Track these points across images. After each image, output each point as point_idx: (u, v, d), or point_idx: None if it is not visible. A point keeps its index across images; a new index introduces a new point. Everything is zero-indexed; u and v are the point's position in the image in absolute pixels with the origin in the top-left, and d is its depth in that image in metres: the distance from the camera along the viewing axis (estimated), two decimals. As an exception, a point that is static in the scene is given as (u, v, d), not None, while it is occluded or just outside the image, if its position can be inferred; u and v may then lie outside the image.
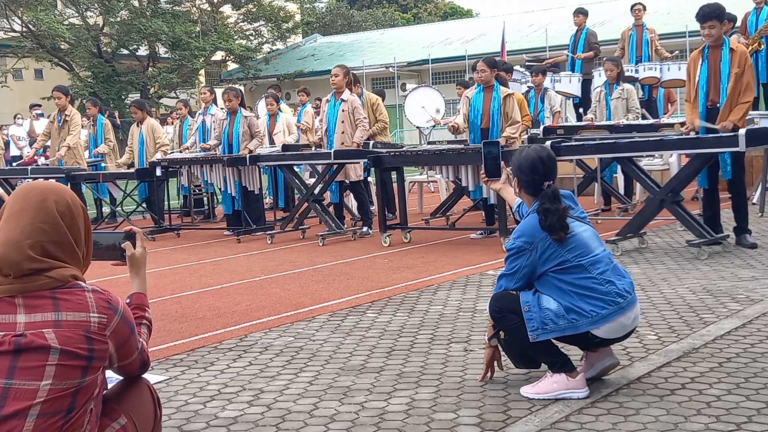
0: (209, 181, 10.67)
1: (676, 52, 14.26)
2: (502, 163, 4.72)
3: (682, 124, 7.99)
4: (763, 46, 11.89)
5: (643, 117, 11.22)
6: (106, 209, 12.54)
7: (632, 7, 13.23)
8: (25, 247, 2.24)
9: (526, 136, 9.40)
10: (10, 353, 2.18)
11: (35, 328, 2.20)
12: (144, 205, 11.65)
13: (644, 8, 13.20)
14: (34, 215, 2.29)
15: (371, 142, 10.01)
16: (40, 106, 19.09)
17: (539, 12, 35.83)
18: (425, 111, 13.98)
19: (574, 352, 3.86)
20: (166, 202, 11.69)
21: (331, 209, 9.96)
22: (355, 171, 9.68)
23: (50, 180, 2.76)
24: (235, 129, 10.37)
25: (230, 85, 12.81)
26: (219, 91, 13.74)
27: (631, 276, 3.84)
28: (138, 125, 12.03)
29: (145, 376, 2.61)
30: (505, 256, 3.79)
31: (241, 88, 11.46)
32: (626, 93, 10.22)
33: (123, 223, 11.09)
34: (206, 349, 4.75)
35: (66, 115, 11.86)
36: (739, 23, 12.40)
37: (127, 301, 2.62)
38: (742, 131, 6.61)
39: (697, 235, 7.04)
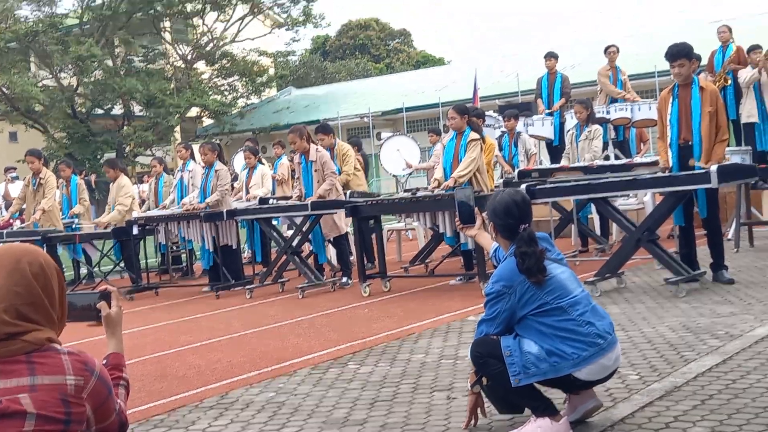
0: (186, 238, 10.64)
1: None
2: (476, 208, 4.74)
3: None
4: (729, 82, 12.11)
5: (617, 157, 11.35)
6: (83, 270, 12.44)
7: (606, 49, 13.41)
8: (0, 312, 2.22)
9: (500, 180, 9.46)
10: (-14, 421, 2.15)
11: (10, 393, 2.18)
12: (122, 264, 11.57)
13: (618, 50, 13.40)
14: (7, 278, 2.27)
15: (348, 192, 10.04)
16: (15, 169, 19.01)
17: (510, 57, 36.23)
18: (400, 154, 14.05)
19: (557, 396, 3.85)
20: (143, 261, 11.63)
21: (310, 260, 9.94)
22: (345, 223, 9.69)
23: (24, 242, 2.74)
24: (208, 183, 10.39)
25: (207, 140, 12.82)
26: (196, 147, 13.77)
27: (611, 316, 3.85)
28: (113, 183, 12.03)
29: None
30: (485, 301, 3.79)
31: (218, 142, 11.45)
32: (592, 134, 10.34)
33: (101, 284, 11.00)
34: (187, 409, 4.69)
35: (41, 178, 11.84)
36: (705, 62, 12.64)
37: (104, 361, 2.59)
38: (713, 168, 6.69)
39: (675, 272, 7.08)
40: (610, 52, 13.22)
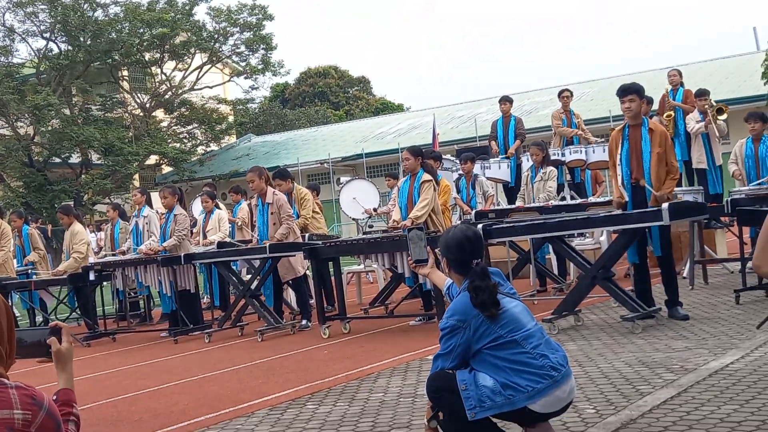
0: (144, 283, 10.55)
1: (600, 139, 14.64)
2: (428, 247, 4.78)
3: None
4: (673, 115, 12.42)
5: (572, 198, 11.49)
6: (38, 318, 12.24)
7: (560, 94, 13.62)
8: (-54, 346, 2.20)
9: (459, 222, 9.52)
10: (-70, 456, 2.12)
11: (-44, 428, 2.15)
12: (78, 311, 11.42)
13: (571, 94, 13.63)
14: (-45, 314, 2.25)
15: (307, 235, 10.04)
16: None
17: (467, 103, 36.70)
18: (357, 202, 14.11)
19: (514, 429, 3.86)
20: (101, 307, 11.49)
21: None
22: (303, 265, 9.68)
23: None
24: (167, 227, 10.35)
25: (167, 183, 12.77)
26: (153, 194, 13.70)
27: (568, 353, 3.89)
28: (67, 231, 11.93)
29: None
30: (440, 336, 3.81)
31: (179, 187, 11.43)
32: (547, 175, 10.49)
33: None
34: (142, 451, 4.63)
35: None
36: (656, 105, 12.92)
37: (54, 397, 2.56)
38: (665, 205, 6.82)
39: (631, 309, 7.16)
40: (564, 96, 13.44)
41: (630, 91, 7.41)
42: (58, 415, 2.37)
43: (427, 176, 8.80)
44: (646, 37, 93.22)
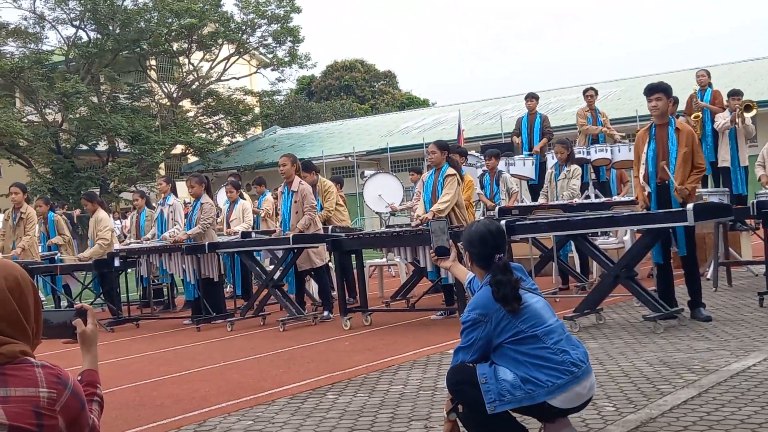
0: (168, 271, 10.63)
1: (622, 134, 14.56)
2: (451, 241, 4.79)
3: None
4: (700, 116, 12.32)
5: (596, 197, 11.45)
6: (63, 303, 12.37)
7: (585, 92, 13.56)
8: (-26, 324, 2.24)
9: (482, 217, 9.52)
10: (-42, 431, 2.16)
11: (-17, 405, 2.19)
12: (102, 296, 11.53)
13: (596, 93, 13.56)
14: (-17, 292, 2.29)
15: (330, 227, 10.08)
16: (-3, 202, 18.95)
17: (493, 100, 36.61)
18: (382, 199, 14.12)
19: (532, 424, 3.87)
20: (124, 294, 11.59)
21: (291, 294, 9.94)
22: (321, 257, 9.72)
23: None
24: (194, 216, 10.42)
25: (193, 172, 12.86)
26: (178, 183, 13.78)
27: (589, 351, 3.88)
28: (91, 217, 12.06)
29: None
30: (461, 329, 3.82)
31: (205, 176, 11.45)
32: (571, 173, 10.45)
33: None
34: (164, 436, 4.68)
35: (22, 213, 11.80)
36: (683, 106, 12.84)
37: (79, 378, 2.60)
38: (690, 206, 6.78)
39: (653, 309, 7.13)
40: (588, 95, 13.38)
41: (657, 90, 7.38)
42: (83, 395, 2.41)
43: (451, 170, 8.80)
44: (666, 30, 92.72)
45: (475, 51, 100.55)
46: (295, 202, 9.65)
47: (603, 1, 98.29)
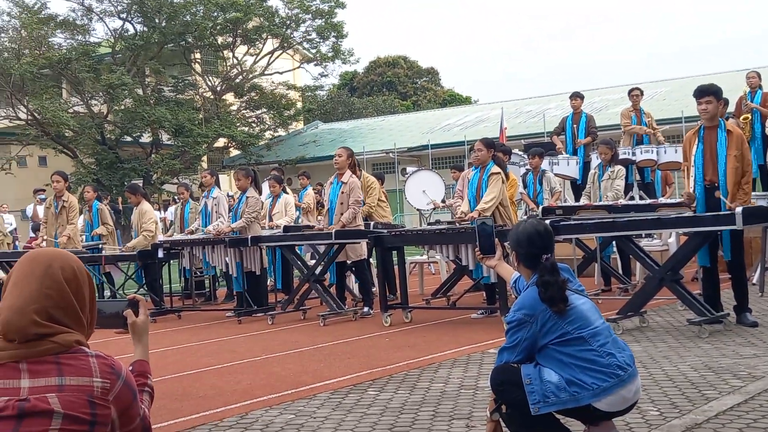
0: (211, 263, 10.72)
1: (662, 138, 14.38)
2: (497, 239, 4.76)
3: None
4: (750, 118, 12.13)
5: (641, 198, 11.33)
6: (106, 293, 12.52)
7: (630, 92, 13.41)
8: (31, 313, 2.27)
9: (524, 217, 9.47)
10: (14, 418, 2.19)
11: (39, 392, 2.22)
12: (145, 287, 11.65)
13: (641, 93, 13.41)
14: (40, 281, 2.32)
15: (372, 223, 10.10)
16: (44, 190, 19.24)
17: (536, 98, 36.39)
18: (426, 195, 14.12)
19: (576, 426, 3.84)
20: (167, 285, 11.70)
21: (332, 289, 9.98)
22: (355, 251, 9.74)
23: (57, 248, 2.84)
24: (239, 209, 10.50)
25: (236, 165, 12.95)
26: (222, 176, 13.88)
27: (633, 354, 3.84)
28: (135, 209, 12.21)
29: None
30: (506, 329, 3.81)
31: (253, 169, 11.50)
32: (615, 174, 10.35)
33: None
34: (207, 427, 4.72)
35: (64, 201, 11.92)
36: (733, 107, 12.65)
37: (130, 368, 2.63)
38: (738, 209, 6.68)
39: (698, 313, 7.05)
40: (634, 95, 13.22)
41: (707, 93, 7.27)
42: (135, 386, 2.44)
43: (496, 168, 8.75)
44: (698, 30, 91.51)
45: (508, 51, 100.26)
46: (342, 193, 9.67)
47: (634, 2, 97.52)
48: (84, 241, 12.53)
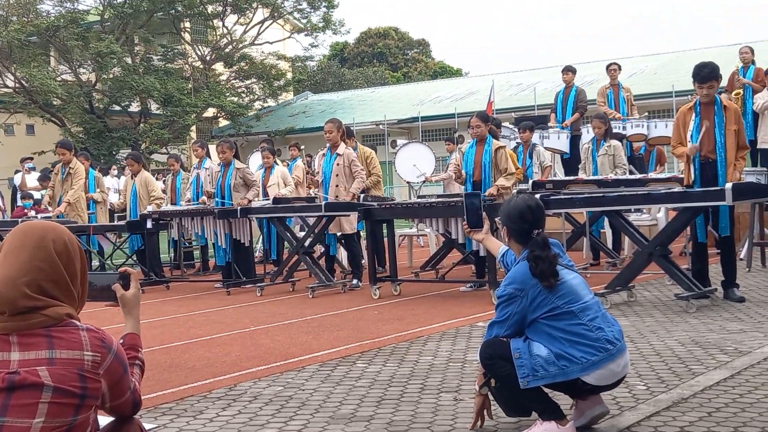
0: (198, 234, 10.70)
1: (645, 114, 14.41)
2: (484, 213, 4.77)
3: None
4: (741, 93, 12.15)
5: (630, 173, 11.34)
6: (95, 262, 12.49)
7: (608, 67, 13.48)
8: (21, 285, 2.26)
9: (515, 190, 9.47)
10: (4, 390, 2.19)
11: (29, 365, 2.22)
12: (134, 257, 11.63)
13: (619, 68, 13.44)
14: (32, 253, 2.31)
15: (362, 195, 10.08)
16: (31, 159, 19.13)
17: (527, 71, 36.29)
18: (416, 168, 14.08)
19: (564, 401, 3.87)
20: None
21: (321, 261, 9.98)
22: (350, 224, 9.74)
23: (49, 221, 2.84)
24: (227, 181, 10.46)
25: (224, 138, 12.90)
26: (211, 147, 13.82)
27: (621, 328, 3.86)
28: (132, 178, 12.15)
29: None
30: (496, 303, 3.82)
31: (234, 141, 11.47)
32: (613, 149, 10.37)
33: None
34: (195, 398, 4.73)
35: (71, 168, 11.98)
36: (726, 83, 12.64)
37: (121, 341, 2.63)
38: (728, 185, 6.70)
39: (686, 288, 7.08)
40: (611, 69, 13.29)
41: (710, 78, 7.20)
42: (126, 359, 2.44)
43: (497, 143, 8.78)
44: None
45: (504, 19, 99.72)
46: (338, 165, 9.65)
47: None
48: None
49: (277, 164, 12.74)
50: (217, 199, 10.63)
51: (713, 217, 7.34)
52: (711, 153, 7.28)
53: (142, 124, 33.47)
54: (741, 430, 3.70)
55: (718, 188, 6.82)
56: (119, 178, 21.15)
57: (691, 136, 7.35)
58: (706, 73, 7.25)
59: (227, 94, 35.76)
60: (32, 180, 16.98)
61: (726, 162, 7.20)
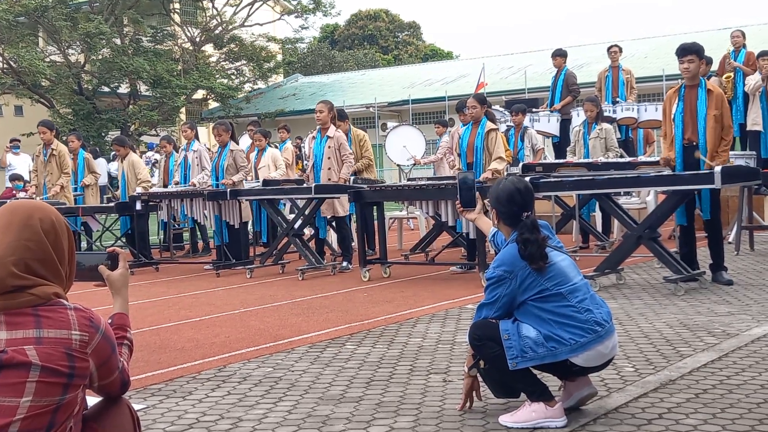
0: (188, 215, 10.68)
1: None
2: (477, 193, 4.77)
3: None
4: (732, 77, 12.16)
5: (621, 156, 11.35)
6: (83, 244, 12.46)
7: (609, 49, 13.47)
8: (9, 264, 2.25)
9: (506, 173, 9.47)
10: (-9, 369, 2.18)
11: (16, 344, 2.20)
12: (123, 239, 11.60)
13: (620, 50, 13.44)
14: (19, 232, 2.30)
15: (353, 178, 10.08)
16: (19, 141, 19.03)
17: (518, 54, 36.23)
18: (406, 150, 14.08)
19: (552, 382, 3.88)
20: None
21: (311, 244, 9.97)
22: (343, 206, 9.73)
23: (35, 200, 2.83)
24: (221, 162, 10.44)
25: (220, 120, 12.83)
26: (201, 129, 13.79)
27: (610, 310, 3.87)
28: (120, 161, 12.10)
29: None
30: (485, 285, 3.82)
31: (230, 122, 11.46)
32: (604, 132, 10.37)
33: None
34: (185, 379, 4.73)
35: (53, 149, 11.85)
36: (716, 66, 12.66)
37: (109, 321, 2.62)
38: (717, 169, 6.72)
39: (674, 271, 7.11)
40: (612, 51, 13.31)
41: (689, 51, 7.24)
42: (114, 339, 2.43)
43: (491, 125, 8.74)
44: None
45: (500, 6, 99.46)
46: (329, 147, 9.63)
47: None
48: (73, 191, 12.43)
49: (270, 146, 12.71)
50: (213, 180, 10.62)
51: (699, 200, 7.37)
52: (693, 136, 7.29)
53: (131, 106, 33.29)
54: (728, 411, 3.72)
55: (708, 171, 6.83)
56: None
57: (674, 119, 7.37)
58: (686, 46, 7.28)
59: (217, 76, 35.57)
60: (14, 160, 16.95)
61: (706, 146, 7.22)
